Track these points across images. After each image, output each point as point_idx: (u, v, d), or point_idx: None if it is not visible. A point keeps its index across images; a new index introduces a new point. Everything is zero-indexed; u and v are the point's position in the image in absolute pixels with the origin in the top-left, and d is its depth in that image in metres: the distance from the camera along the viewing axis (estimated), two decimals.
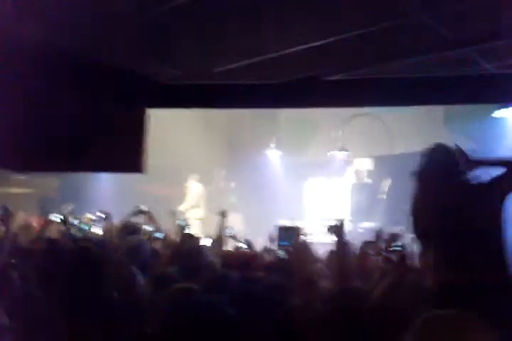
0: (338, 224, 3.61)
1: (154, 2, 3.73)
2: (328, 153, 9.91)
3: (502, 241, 3.19)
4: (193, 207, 11.28)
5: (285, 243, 4.27)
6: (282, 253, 4.28)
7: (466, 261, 3.13)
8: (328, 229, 3.69)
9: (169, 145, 11.51)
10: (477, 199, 3.24)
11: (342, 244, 3.61)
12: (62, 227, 6.01)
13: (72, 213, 6.83)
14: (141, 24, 4.13)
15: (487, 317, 1.84)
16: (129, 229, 5.48)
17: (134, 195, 11.11)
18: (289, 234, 4.27)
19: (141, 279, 3.41)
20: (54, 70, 4.66)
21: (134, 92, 5.85)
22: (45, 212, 7.12)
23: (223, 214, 5.92)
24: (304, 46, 4.35)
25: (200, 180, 11.46)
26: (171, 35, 4.45)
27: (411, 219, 3.41)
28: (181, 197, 12.05)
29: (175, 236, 5.63)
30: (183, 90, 6.06)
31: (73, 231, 6.92)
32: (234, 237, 5.92)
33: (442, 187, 3.33)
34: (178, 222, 5.88)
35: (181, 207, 10.80)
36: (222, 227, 5.83)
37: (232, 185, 12.46)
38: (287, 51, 4.51)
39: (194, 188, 11.36)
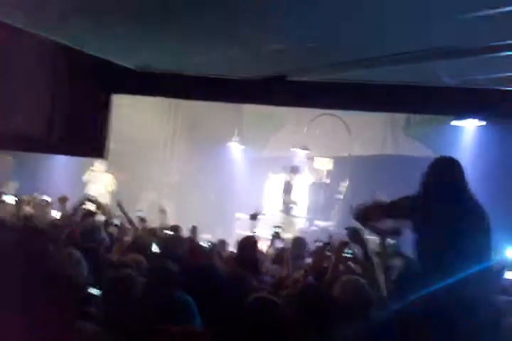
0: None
1: None
2: (291, 150, 10.02)
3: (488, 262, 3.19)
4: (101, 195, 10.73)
5: None
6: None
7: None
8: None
9: (129, 132, 11.40)
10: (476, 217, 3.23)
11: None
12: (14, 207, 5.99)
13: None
14: (116, 11, 4.11)
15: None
16: (85, 215, 5.50)
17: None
18: None
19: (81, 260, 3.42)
20: (20, 53, 4.61)
21: (100, 77, 5.82)
22: None
23: (163, 212, 6.21)
24: (276, 46, 4.41)
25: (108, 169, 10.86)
26: (144, 24, 4.44)
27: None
28: (139, 183, 11.97)
29: (136, 226, 5.78)
30: (151, 78, 6.05)
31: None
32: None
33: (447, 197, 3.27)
34: (137, 213, 6.03)
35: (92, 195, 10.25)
36: (163, 223, 6.13)
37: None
38: (259, 49, 4.57)
39: (104, 177, 10.81)
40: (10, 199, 6.12)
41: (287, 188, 10.10)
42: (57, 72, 5.21)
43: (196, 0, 3.75)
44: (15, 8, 4.06)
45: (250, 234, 5.35)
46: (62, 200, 6.67)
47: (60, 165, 11.05)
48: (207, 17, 4.06)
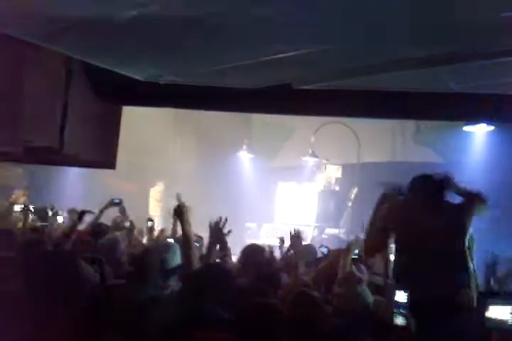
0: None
1: (140, 2, 3.73)
2: (303, 159, 10.03)
3: (466, 260, 3.39)
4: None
5: None
6: None
7: (433, 277, 3.29)
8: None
9: (138, 142, 11.47)
10: (452, 217, 3.53)
11: None
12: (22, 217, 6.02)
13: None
14: (124, 22, 4.13)
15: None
16: (99, 229, 5.51)
17: (98, 189, 11.06)
18: None
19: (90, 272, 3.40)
20: (30, 66, 4.66)
21: (109, 89, 5.85)
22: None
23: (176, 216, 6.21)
24: (283, 55, 4.41)
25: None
26: (152, 35, 4.46)
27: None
28: (147, 195, 12.02)
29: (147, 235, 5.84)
30: (159, 89, 6.07)
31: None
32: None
33: (427, 203, 3.61)
34: (148, 224, 6.11)
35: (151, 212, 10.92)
36: (174, 231, 6.09)
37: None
38: (265, 58, 4.57)
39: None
40: (20, 210, 6.16)
41: None
42: (67, 84, 5.25)
43: (201, 10, 3.77)
44: (24, 21, 4.10)
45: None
46: (71, 212, 6.72)
47: (70, 177, 11.13)
48: (212, 27, 4.08)
